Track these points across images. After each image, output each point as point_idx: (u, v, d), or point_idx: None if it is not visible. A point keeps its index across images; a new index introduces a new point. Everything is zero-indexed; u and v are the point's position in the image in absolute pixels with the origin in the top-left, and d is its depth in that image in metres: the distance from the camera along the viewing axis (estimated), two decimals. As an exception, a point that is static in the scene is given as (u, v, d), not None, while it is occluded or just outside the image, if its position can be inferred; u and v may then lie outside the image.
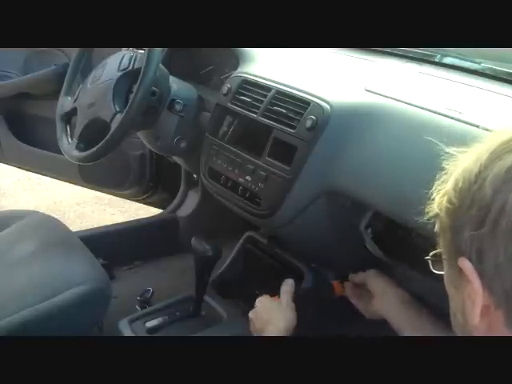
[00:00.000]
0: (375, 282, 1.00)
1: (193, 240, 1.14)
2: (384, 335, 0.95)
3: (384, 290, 0.97)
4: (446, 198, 0.52)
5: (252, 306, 1.04)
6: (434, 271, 0.58)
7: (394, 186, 0.88)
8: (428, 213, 0.56)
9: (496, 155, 0.49)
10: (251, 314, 1.04)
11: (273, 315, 0.99)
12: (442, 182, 0.54)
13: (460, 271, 0.50)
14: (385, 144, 0.91)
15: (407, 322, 0.91)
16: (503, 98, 0.94)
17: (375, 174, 0.91)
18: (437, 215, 0.54)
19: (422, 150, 0.81)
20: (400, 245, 0.97)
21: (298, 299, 1.02)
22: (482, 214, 0.48)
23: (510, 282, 0.47)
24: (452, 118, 0.84)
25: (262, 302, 1.04)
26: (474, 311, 0.49)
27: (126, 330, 1.15)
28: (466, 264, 0.49)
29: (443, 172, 0.54)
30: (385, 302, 0.96)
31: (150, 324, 1.17)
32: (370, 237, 1.01)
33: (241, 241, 1.33)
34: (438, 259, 0.57)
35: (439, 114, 0.87)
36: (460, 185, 0.50)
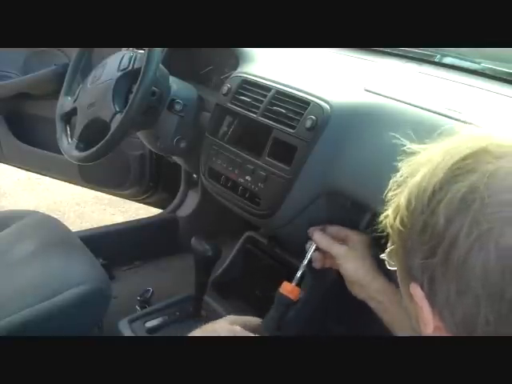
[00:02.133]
0: (358, 245, 0.91)
1: (193, 240, 1.14)
2: (376, 335, 0.95)
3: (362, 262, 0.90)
4: (398, 217, 0.50)
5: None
6: (390, 268, 0.57)
7: (393, 186, 0.87)
8: (381, 222, 0.54)
9: (452, 174, 0.46)
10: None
11: None
12: (397, 184, 0.52)
13: (411, 295, 0.49)
14: (384, 144, 0.91)
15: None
16: (503, 98, 0.94)
17: (375, 175, 0.91)
18: (388, 234, 0.53)
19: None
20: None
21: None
22: (435, 243, 0.46)
23: (461, 316, 0.46)
24: (452, 117, 0.84)
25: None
26: (426, 326, 0.48)
27: (126, 330, 1.15)
28: (417, 292, 0.48)
29: (398, 174, 0.52)
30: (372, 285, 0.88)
31: (149, 324, 1.17)
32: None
33: (241, 241, 1.33)
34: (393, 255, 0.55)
35: (439, 113, 0.87)
36: (413, 205, 0.48)
